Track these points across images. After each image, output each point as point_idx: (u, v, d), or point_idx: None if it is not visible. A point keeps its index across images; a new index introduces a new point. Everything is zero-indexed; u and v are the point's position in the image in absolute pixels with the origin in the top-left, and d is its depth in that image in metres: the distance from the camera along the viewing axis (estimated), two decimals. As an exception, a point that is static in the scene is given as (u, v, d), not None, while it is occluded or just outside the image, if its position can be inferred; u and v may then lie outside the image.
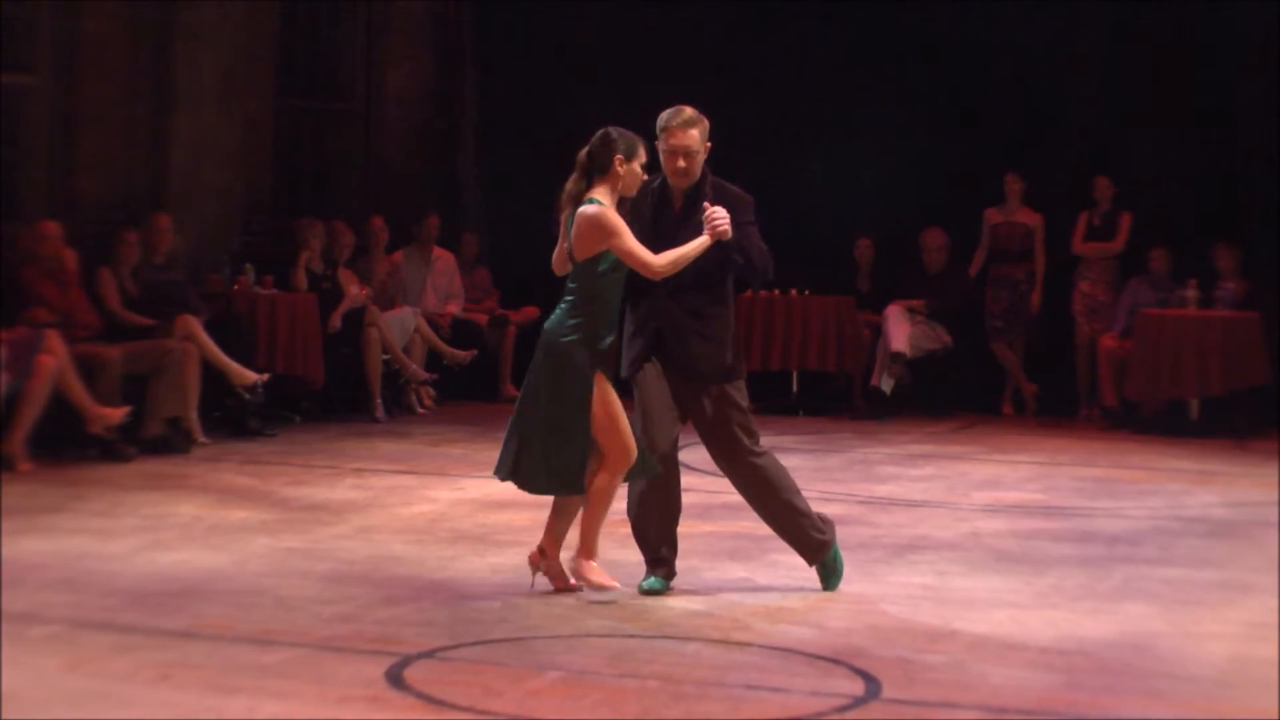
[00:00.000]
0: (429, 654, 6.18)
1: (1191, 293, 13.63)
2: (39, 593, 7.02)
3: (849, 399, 14.60)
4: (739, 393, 7.40)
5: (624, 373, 7.43)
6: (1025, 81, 15.08)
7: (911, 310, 14.37)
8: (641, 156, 7.21)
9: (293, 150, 14.96)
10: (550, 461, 7.17)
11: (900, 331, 14.22)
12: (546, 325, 7.24)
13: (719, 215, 7.16)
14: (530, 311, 15.19)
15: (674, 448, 7.39)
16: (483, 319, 14.87)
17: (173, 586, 7.22)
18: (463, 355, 14.22)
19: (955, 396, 14.56)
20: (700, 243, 7.15)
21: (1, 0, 12.12)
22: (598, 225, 7.11)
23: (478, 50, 16.17)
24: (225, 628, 6.50)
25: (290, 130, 14.90)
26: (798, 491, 7.51)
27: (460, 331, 14.51)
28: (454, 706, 5.54)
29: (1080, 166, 14.75)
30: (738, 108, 14.67)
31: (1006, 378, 14.75)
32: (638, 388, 7.38)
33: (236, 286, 12.90)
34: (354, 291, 13.37)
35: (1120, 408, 13.93)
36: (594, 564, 7.24)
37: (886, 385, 14.23)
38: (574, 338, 7.12)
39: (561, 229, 7.33)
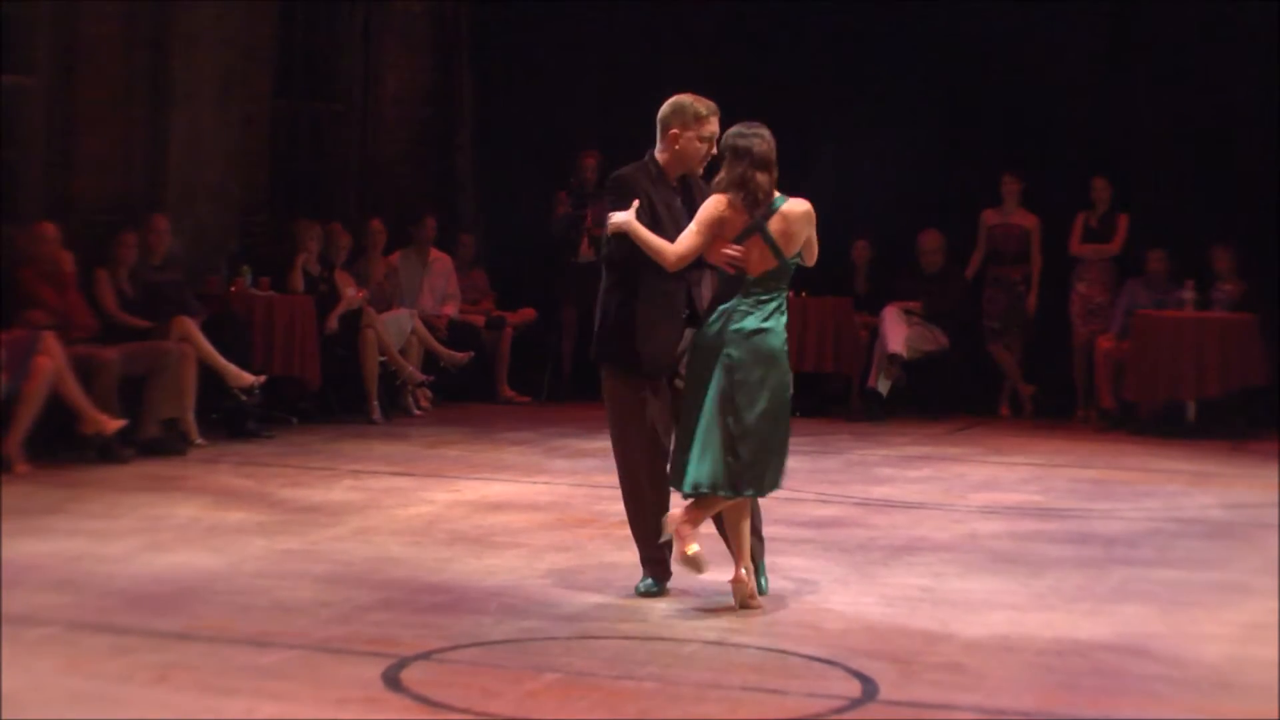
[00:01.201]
0: (426, 655, 6.18)
1: (1189, 294, 13.63)
2: (37, 594, 7.01)
3: (846, 400, 14.59)
4: None
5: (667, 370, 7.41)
6: (1023, 82, 15.08)
7: (908, 312, 14.38)
8: None
9: (290, 151, 14.95)
10: (779, 458, 7.19)
11: (897, 333, 14.23)
12: (757, 326, 7.10)
13: None
14: (527, 313, 15.19)
15: None
16: (479, 320, 14.86)
17: (170, 588, 7.22)
18: (460, 357, 14.21)
19: (952, 398, 14.56)
20: None
21: (1, 0, 12.11)
22: (813, 218, 7.27)
23: (476, 50, 16.17)
24: (222, 629, 6.50)
25: (288, 131, 14.89)
26: None
27: (457, 333, 14.51)
28: (451, 708, 5.54)
29: (1078, 168, 14.76)
30: (735, 108, 14.63)
31: (1003, 379, 14.75)
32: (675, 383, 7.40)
33: (233, 288, 12.89)
34: (351, 293, 13.36)
35: (1117, 409, 13.94)
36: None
37: (883, 387, 14.24)
38: (786, 336, 7.19)
39: (722, 223, 7.16)
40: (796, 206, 7.20)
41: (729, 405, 7.06)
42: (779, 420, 7.18)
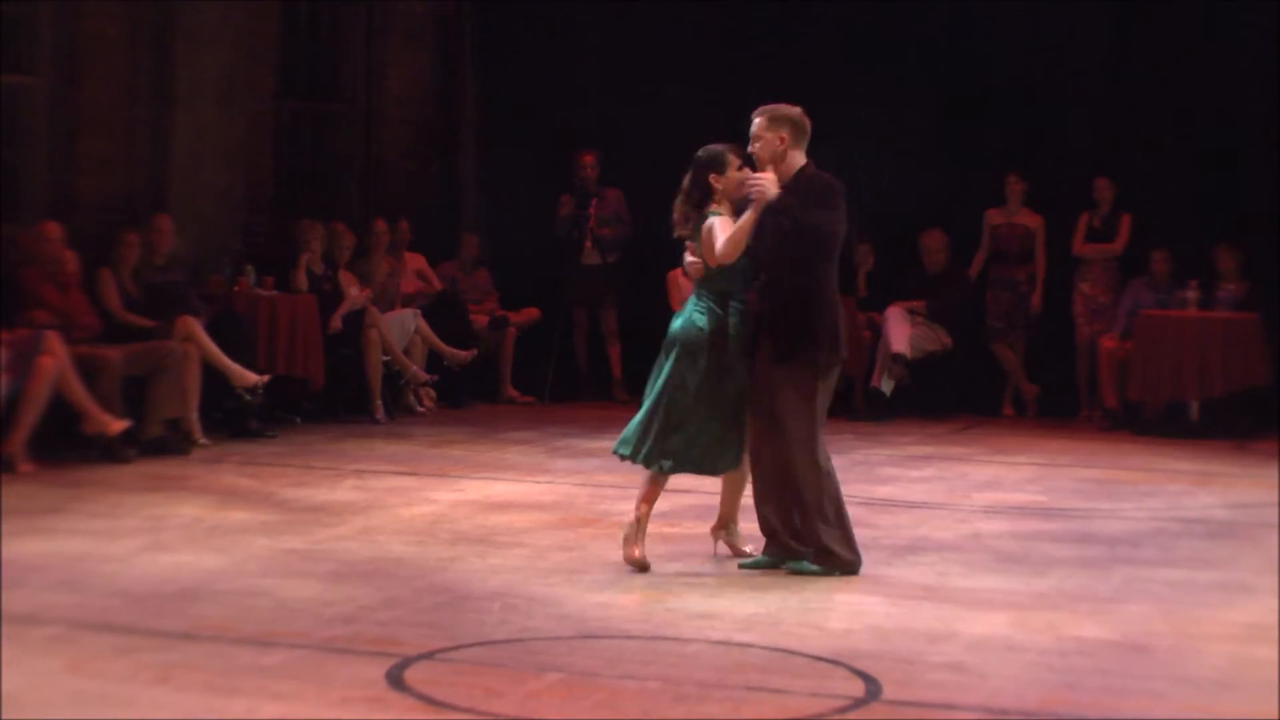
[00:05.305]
0: (429, 655, 6.19)
1: (1192, 294, 13.63)
2: (40, 594, 7.02)
3: (849, 400, 14.57)
4: None
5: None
6: (1025, 81, 15.07)
7: (912, 311, 14.37)
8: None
9: (293, 151, 14.96)
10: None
11: (901, 333, 14.22)
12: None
13: None
14: (530, 313, 15.18)
15: None
16: (482, 320, 14.85)
17: (173, 588, 7.22)
18: (463, 355, 14.21)
19: (955, 398, 14.56)
20: None
21: (1, 0, 12.12)
22: None
23: (478, 50, 16.16)
24: (225, 629, 6.50)
25: (291, 131, 14.90)
26: None
27: (457, 330, 14.42)
28: (454, 708, 5.54)
29: (1081, 167, 14.75)
30: (737, 108, 14.62)
31: (1007, 379, 14.75)
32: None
33: (237, 288, 12.89)
34: (354, 293, 13.37)
35: (1121, 409, 13.93)
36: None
37: (887, 386, 14.23)
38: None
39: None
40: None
41: None
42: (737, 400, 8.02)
